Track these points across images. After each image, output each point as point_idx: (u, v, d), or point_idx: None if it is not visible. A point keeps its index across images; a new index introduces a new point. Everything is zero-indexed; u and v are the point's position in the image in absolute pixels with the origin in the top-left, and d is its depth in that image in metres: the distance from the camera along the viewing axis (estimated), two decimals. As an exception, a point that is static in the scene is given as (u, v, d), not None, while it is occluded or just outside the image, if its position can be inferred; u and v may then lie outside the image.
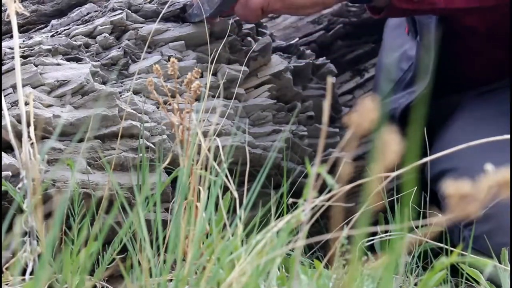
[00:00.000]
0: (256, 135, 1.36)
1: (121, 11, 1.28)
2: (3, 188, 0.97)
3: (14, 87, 1.12)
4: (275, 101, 1.40)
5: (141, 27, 1.29)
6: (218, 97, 1.28)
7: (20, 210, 0.78)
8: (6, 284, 0.85)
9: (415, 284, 1.15)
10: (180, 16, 1.34)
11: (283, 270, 0.92)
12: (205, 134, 1.04)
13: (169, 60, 0.93)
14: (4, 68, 1.13)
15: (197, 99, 0.92)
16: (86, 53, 1.23)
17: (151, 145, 1.19)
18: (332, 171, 0.68)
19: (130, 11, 1.29)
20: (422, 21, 1.43)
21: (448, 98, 1.52)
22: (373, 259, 0.86)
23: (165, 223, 1.09)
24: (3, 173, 1.04)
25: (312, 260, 1.04)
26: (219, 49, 1.28)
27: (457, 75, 1.52)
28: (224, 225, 0.85)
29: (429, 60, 1.43)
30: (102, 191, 1.12)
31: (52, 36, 1.23)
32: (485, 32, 1.43)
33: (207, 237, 0.84)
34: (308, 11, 1.29)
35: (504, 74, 1.47)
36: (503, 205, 1.24)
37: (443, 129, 1.48)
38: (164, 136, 1.21)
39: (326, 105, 0.63)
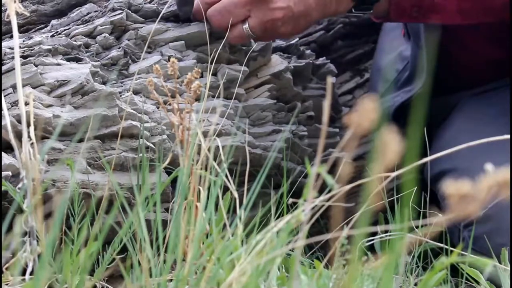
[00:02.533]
0: (256, 135, 1.36)
1: (121, 11, 1.28)
2: (3, 188, 0.97)
3: (14, 87, 1.12)
4: (275, 101, 1.40)
5: (141, 27, 1.29)
6: (218, 97, 1.28)
7: (20, 210, 0.78)
8: (6, 284, 0.85)
9: (415, 284, 1.15)
10: (180, 16, 1.34)
11: (283, 270, 0.92)
12: (205, 134, 1.04)
13: (169, 60, 0.93)
14: (4, 68, 1.13)
15: (197, 99, 0.92)
16: (86, 53, 1.23)
17: (151, 145, 1.19)
18: (332, 171, 0.68)
19: (130, 11, 1.29)
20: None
21: (447, 97, 1.52)
22: (373, 259, 0.86)
23: (165, 223, 1.09)
24: (3, 173, 1.04)
25: (312, 260, 1.04)
26: (219, 49, 1.28)
27: (456, 74, 1.52)
28: (224, 225, 0.85)
29: (424, 59, 1.44)
30: (102, 191, 1.12)
31: (52, 36, 1.23)
32: (484, 31, 1.43)
33: (207, 237, 0.84)
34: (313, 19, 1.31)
35: (503, 73, 1.47)
36: (503, 206, 1.24)
37: (441, 129, 1.48)
38: (164, 136, 1.21)
39: (326, 105, 0.63)
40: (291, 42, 1.51)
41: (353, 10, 1.30)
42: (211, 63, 1.26)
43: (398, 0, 1.31)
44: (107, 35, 1.26)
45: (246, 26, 1.26)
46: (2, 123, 0.85)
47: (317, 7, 1.27)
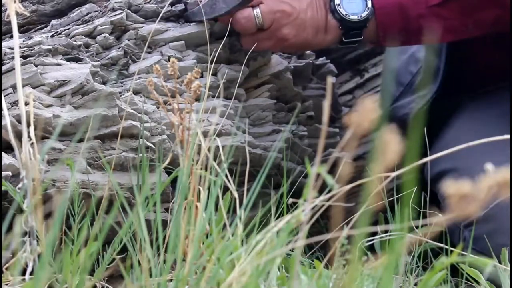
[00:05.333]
0: (256, 135, 1.36)
1: (121, 11, 1.28)
2: (3, 188, 0.97)
3: (14, 87, 1.12)
4: (275, 101, 1.40)
5: (141, 27, 1.29)
6: (218, 97, 1.28)
7: (20, 210, 0.78)
8: (6, 284, 0.85)
9: (415, 284, 1.15)
10: (180, 16, 1.34)
11: (283, 270, 0.92)
12: (205, 134, 1.04)
13: (169, 60, 0.93)
14: (4, 68, 1.13)
15: (197, 99, 0.92)
16: (86, 53, 1.23)
17: (151, 145, 1.19)
18: (332, 171, 0.68)
19: (130, 11, 1.29)
20: None
21: (448, 98, 1.52)
22: (373, 259, 0.86)
23: (165, 223, 1.09)
24: (3, 173, 1.04)
25: (312, 260, 1.04)
26: (219, 49, 1.28)
27: (456, 76, 1.52)
28: (224, 225, 0.85)
29: (439, 62, 1.44)
30: (102, 191, 1.12)
31: (52, 36, 1.23)
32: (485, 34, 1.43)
33: (207, 237, 0.84)
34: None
35: (504, 76, 1.47)
36: (503, 206, 1.24)
37: (443, 129, 1.48)
38: (164, 136, 1.21)
39: (326, 105, 0.63)
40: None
41: (343, 39, 1.33)
42: (211, 63, 1.26)
43: (385, 26, 1.32)
44: (107, 35, 1.26)
45: (257, 10, 1.29)
46: (2, 123, 0.85)
47: (312, 22, 1.31)
